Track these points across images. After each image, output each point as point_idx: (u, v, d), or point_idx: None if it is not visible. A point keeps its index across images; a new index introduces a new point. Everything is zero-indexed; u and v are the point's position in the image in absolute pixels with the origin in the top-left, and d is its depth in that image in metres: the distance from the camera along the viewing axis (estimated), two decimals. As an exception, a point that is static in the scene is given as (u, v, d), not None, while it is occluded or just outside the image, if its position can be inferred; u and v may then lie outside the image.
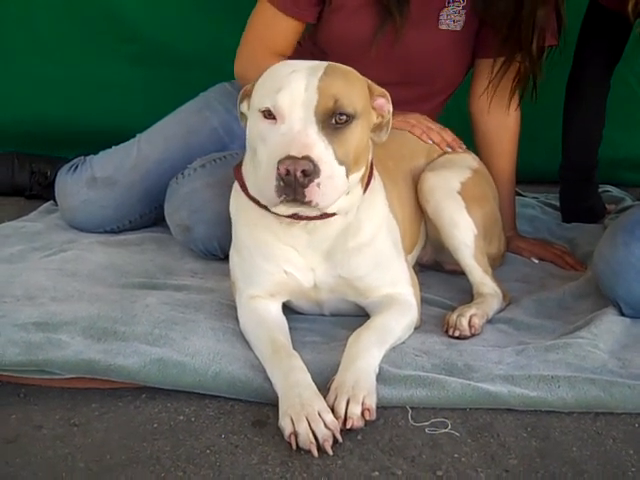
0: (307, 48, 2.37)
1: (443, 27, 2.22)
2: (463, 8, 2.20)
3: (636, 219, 1.90)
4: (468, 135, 2.43)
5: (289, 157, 1.45)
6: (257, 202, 1.69)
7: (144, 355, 1.61)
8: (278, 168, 1.45)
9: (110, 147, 2.52)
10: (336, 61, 2.26)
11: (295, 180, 1.45)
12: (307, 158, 1.46)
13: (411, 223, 1.99)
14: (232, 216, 1.83)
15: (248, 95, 1.67)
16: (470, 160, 2.16)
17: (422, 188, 2.02)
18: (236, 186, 1.80)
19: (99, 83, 3.01)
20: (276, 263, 1.74)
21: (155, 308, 1.81)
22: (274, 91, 1.53)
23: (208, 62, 2.91)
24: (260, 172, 1.55)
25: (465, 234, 1.98)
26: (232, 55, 2.82)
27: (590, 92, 2.52)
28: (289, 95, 1.52)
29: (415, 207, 2.03)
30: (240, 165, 1.78)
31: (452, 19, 2.21)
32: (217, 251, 2.17)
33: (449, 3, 2.20)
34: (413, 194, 2.04)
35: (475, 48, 2.31)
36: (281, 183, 1.47)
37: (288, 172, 1.45)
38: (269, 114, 1.54)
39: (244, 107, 1.71)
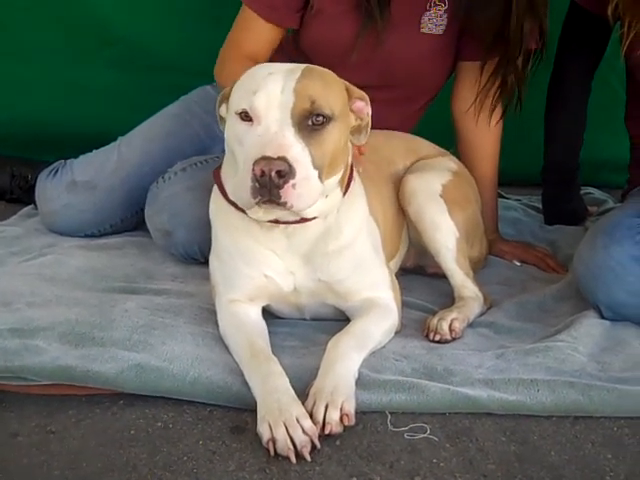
0: (288, 52, 2.37)
1: (424, 31, 2.21)
2: (445, 12, 2.19)
3: (616, 222, 1.91)
4: (450, 138, 2.44)
5: (264, 158, 1.45)
6: (237, 206, 1.68)
7: (122, 361, 1.60)
8: (253, 169, 1.45)
9: (91, 151, 2.50)
10: (317, 65, 2.28)
11: (270, 181, 1.45)
12: (282, 159, 1.45)
13: (393, 227, 1.98)
14: (212, 220, 1.82)
15: (226, 98, 1.67)
16: (449, 163, 2.16)
17: (404, 191, 2.02)
18: (215, 190, 1.79)
19: (81, 86, 2.98)
20: (256, 267, 1.73)
21: (134, 313, 1.79)
22: (251, 93, 1.53)
23: (190, 65, 2.88)
24: (237, 174, 1.55)
25: (447, 237, 1.98)
26: (214, 58, 2.80)
27: (571, 95, 2.52)
28: (265, 97, 1.52)
29: (397, 211, 2.03)
30: (219, 168, 1.78)
31: (434, 23, 2.20)
32: (198, 255, 2.16)
33: (430, 7, 2.19)
34: (395, 198, 2.03)
35: (458, 51, 2.31)
36: (256, 184, 1.46)
37: (263, 173, 1.44)
38: (246, 116, 1.54)
39: (222, 110, 1.70)
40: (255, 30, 2.25)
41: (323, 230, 1.72)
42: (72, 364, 1.58)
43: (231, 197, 1.69)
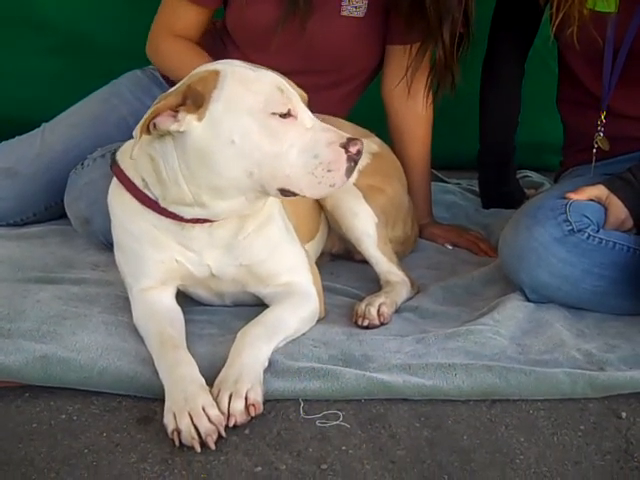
0: (219, 32, 2.33)
1: (345, 13, 2.19)
2: None
3: (539, 203, 1.89)
4: (382, 121, 2.40)
5: (351, 138, 1.57)
6: (150, 205, 1.64)
7: (27, 352, 1.55)
8: (348, 149, 1.55)
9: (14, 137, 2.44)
10: (241, 47, 2.24)
11: (358, 156, 1.58)
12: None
13: (304, 209, 1.94)
14: (113, 212, 1.75)
15: (198, 106, 1.53)
16: (370, 145, 2.12)
17: None
18: (116, 185, 1.72)
19: (9, 72, 2.91)
20: (166, 253, 1.68)
21: (46, 303, 1.75)
22: (278, 93, 1.56)
23: (122, 50, 2.81)
24: (285, 171, 1.54)
25: (366, 224, 1.96)
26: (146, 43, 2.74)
27: (504, 76, 2.51)
28: (292, 93, 1.58)
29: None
30: (117, 165, 1.70)
31: (354, 5, 2.18)
32: (118, 242, 2.11)
33: None
34: None
35: (385, 35, 2.28)
36: (352, 163, 1.57)
37: (359, 151, 1.57)
38: (285, 114, 1.55)
39: (189, 120, 1.53)
40: (181, 11, 2.23)
41: (245, 216, 1.68)
42: (-26, 357, 1.53)
43: (166, 204, 1.63)
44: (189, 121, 1.53)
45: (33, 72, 2.93)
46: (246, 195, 1.60)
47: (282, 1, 2.10)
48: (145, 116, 1.53)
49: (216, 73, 1.57)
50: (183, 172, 1.57)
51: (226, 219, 1.65)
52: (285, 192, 1.58)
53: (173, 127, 1.53)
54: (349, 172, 1.57)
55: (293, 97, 1.57)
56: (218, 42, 2.31)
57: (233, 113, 1.53)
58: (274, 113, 1.54)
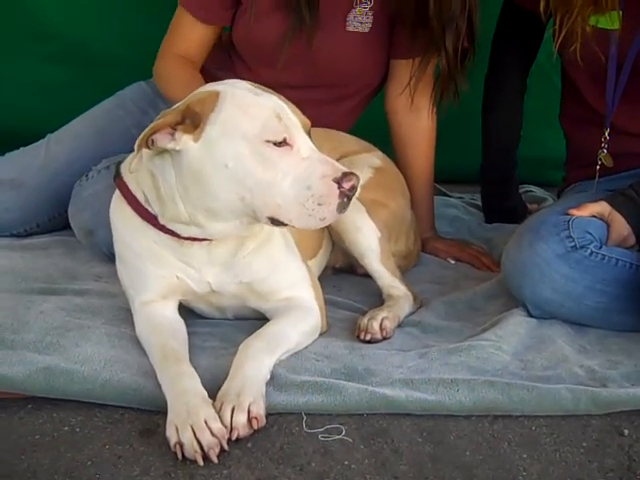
0: (225, 46, 2.34)
1: (350, 29, 2.20)
2: (370, 9, 2.19)
3: (542, 219, 1.90)
4: (385, 135, 2.41)
5: (348, 173, 1.53)
6: (150, 220, 1.65)
7: (30, 364, 1.55)
8: (342, 185, 1.51)
9: (19, 148, 2.45)
10: (248, 62, 2.25)
11: (353, 192, 1.54)
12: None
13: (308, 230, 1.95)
14: (114, 226, 1.76)
15: (193, 126, 1.53)
16: (372, 159, 2.13)
17: None
18: (118, 198, 1.72)
19: (13, 82, 2.92)
20: (167, 269, 1.69)
21: (50, 314, 1.75)
22: (276, 120, 1.53)
23: (126, 61, 2.84)
24: (276, 200, 1.52)
25: (369, 238, 1.96)
26: (152, 55, 2.75)
27: (505, 93, 2.51)
28: (292, 122, 1.55)
29: None
30: (120, 178, 1.71)
31: (359, 21, 2.19)
32: (120, 254, 2.11)
33: (356, 4, 2.18)
34: None
35: (389, 50, 2.29)
36: (345, 199, 1.53)
37: (354, 187, 1.53)
38: (280, 143, 1.52)
39: (184, 140, 1.53)
40: (187, 28, 2.25)
41: (244, 235, 1.68)
42: (-23, 367, 1.53)
43: (165, 221, 1.63)
44: (185, 141, 1.53)
45: (38, 82, 2.94)
46: (240, 219, 1.59)
47: (289, 17, 2.11)
48: (144, 131, 1.54)
49: (216, 95, 1.56)
50: (179, 191, 1.58)
51: (225, 239, 1.65)
52: (275, 221, 1.56)
53: (170, 145, 1.54)
54: (341, 208, 1.53)
55: (292, 125, 1.54)
56: (225, 56, 2.32)
57: (228, 137, 1.52)
58: (268, 141, 1.52)
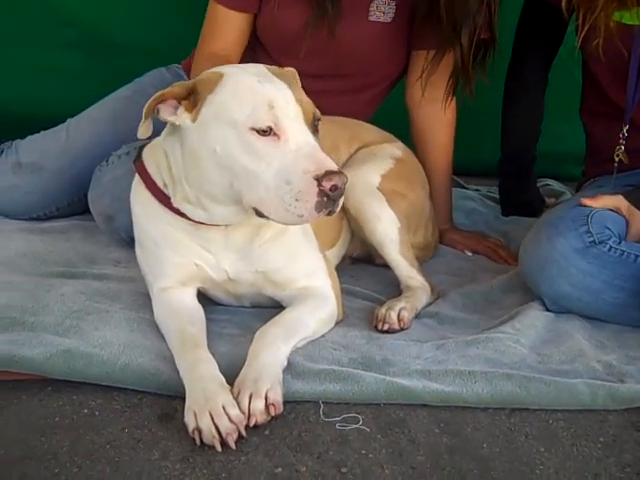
0: (252, 45, 2.33)
1: (372, 19, 2.20)
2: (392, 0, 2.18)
3: (561, 214, 1.89)
4: (405, 127, 2.41)
5: (332, 172, 1.45)
6: (167, 205, 1.65)
7: (50, 346, 1.56)
8: (321, 184, 1.44)
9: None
10: (271, 53, 2.24)
11: (337, 192, 1.46)
12: (342, 172, 1.47)
13: (326, 220, 1.95)
14: (134, 212, 1.76)
15: (192, 104, 1.53)
16: (393, 150, 2.13)
17: None
18: (138, 182, 1.73)
19: (34, 67, 2.92)
20: (186, 256, 1.69)
21: (69, 298, 1.76)
22: (266, 107, 1.48)
23: (147, 48, 2.84)
24: (259, 191, 1.48)
25: (388, 228, 1.95)
26: (172, 41, 2.76)
27: (527, 87, 2.50)
28: (287, 111, 1.49)
29: None
30: (140, 161, 1.71)
31: (382, 10, 2.19)
32: (140, 239, 2.12)
33: None
34: None
35: (410, 40, 2.29)
36: (324, 198, 1.45)
37: (336, 187, 1.45)
38: (268, 132, 1.48)
39: (183, 116, 1.54)
40: (220, 21, 2.22)
41: (259, 222, 1.67)
42: (-1, 348, 1.54)
43: (178, 204, 1.63)
44: (184, 118, 1.54)
45: (56, 69, 2.94)
46: (239, 205, 1.57)
47: (311, 7, 2.11)
48: (152, 97, 1.54)
49: (220, 76, 1.55)
50: (184, 171, 1.58)
51: (241, 224, 1.65)
52: (258, 212, 1.53)
53: (171, 119, 1.54)
54: (320, 207, 1.47)
55: (283, 115, 1.48)
56: (250, 52, 2.30)
57: (219, 121, 1.51)
58: (253, 128, 1.48)
